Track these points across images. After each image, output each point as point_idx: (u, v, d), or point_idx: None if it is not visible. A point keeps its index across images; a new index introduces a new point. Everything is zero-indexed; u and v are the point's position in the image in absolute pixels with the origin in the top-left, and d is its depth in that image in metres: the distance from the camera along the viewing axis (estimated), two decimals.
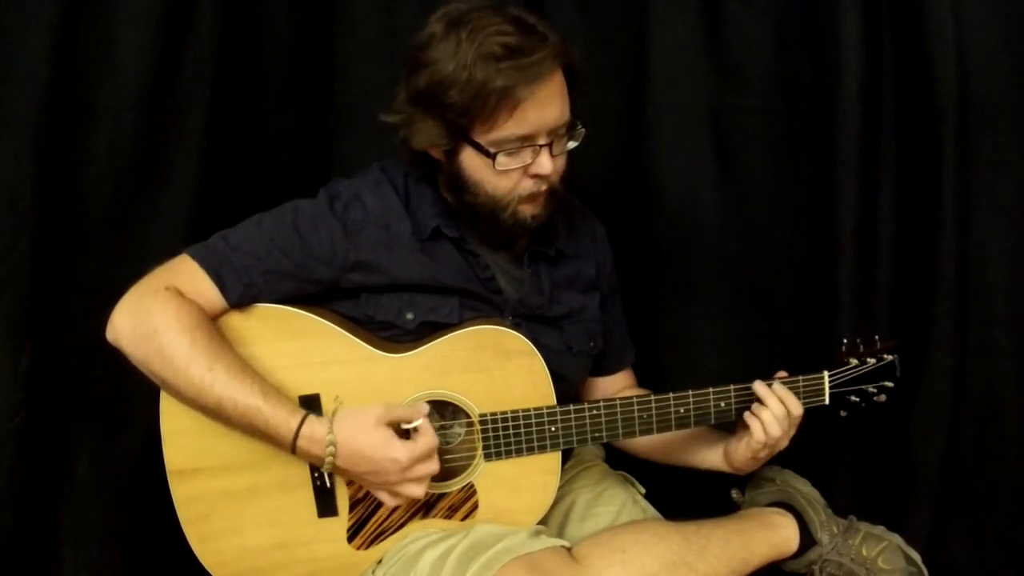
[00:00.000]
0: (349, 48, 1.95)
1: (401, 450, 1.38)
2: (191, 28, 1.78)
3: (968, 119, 1.78)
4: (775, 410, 1.51)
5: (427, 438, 1.40)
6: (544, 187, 1.47)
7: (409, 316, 1.49)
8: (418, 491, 1.42)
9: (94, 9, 1.71)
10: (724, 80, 1.91)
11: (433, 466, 1.42)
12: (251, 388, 1.38)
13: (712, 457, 1.64)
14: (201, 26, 1.79)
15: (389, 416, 1.41)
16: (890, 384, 1.61)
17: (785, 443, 1.55)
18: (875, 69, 1.81)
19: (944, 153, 1.78)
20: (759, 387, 1.52)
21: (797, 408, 1.52)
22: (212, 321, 1.44)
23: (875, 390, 1.60)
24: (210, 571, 1.50)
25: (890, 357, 1.60)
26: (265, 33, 1.90)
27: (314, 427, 1.39)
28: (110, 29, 1.73)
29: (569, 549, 1.49)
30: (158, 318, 1.38)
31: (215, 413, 1.40)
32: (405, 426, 1.41)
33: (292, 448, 1.39)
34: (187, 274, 1.44)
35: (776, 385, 1.53)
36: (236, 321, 1.47)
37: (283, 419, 1.38)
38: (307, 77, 1.95)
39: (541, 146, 1.42)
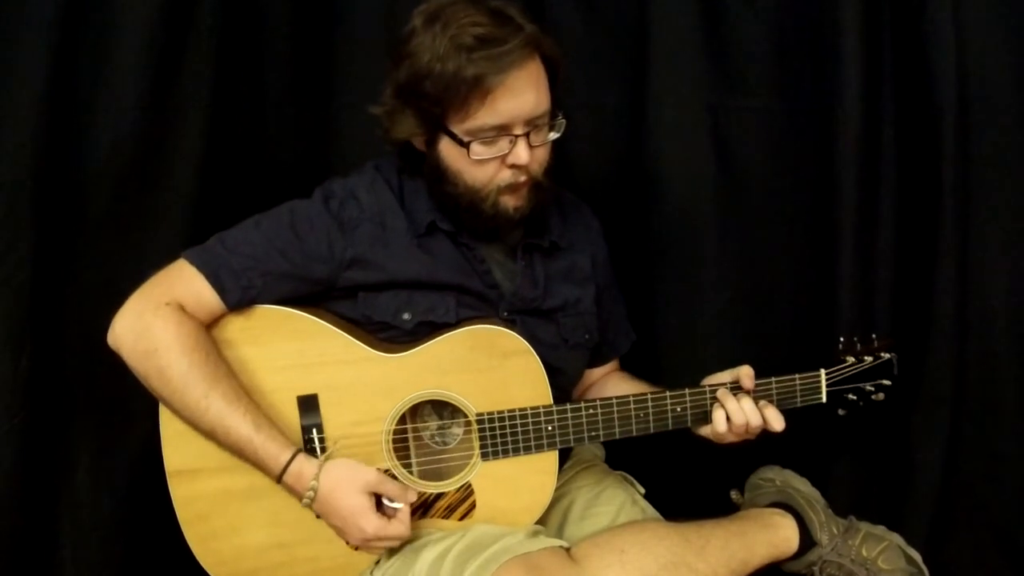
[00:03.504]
0: (349, 48, 1.95)
1: (371, 524, 1.41)
2: (191, 28, 1.79)
3: (968, 119, 1.78)
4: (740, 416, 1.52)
5: (402, 528, 1.43)
6: (523, 178, 1.47)
7: (406, 316, 1.50)
8: (374, 552, 1.47)
9: (94, 9, 1.72)
10: (724, 80, 1.91)
11: (392, 544, 1.45)
12: (244, 418, 1.40)
13: None
14: (201, 26, 1.79)
15: (379, 487, 1.43)
16: (888, 383, 1.61)
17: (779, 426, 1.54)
18: (875, 69, 1.81)
19: (944, 153, 1.78)
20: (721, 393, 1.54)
21: (755, 419, 1.52)
22: (212, 339, 1.45)
23: (873, 388, 1.60)
24: (209, 571, 1.50)
25: (887, 355, 1.61)
26: (265, 33, 1.90)
27: (303, 466, 1.41)
28: (110, 29, 1.73)
29: (567, 549, 1.49)
30: (158, 337, 1.40)
31: (208, 436, 1.42)
32: (387, 503, 1.43)
33: (278, 480, 1.42)
34: (186, 280, 1.45)
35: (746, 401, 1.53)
36: (235, 322, 1.47)
37: (272, 453, 1.41)
38: (307, 77, 1.95)
39: (517, 136, 1.42)
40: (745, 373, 1.54)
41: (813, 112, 1.87)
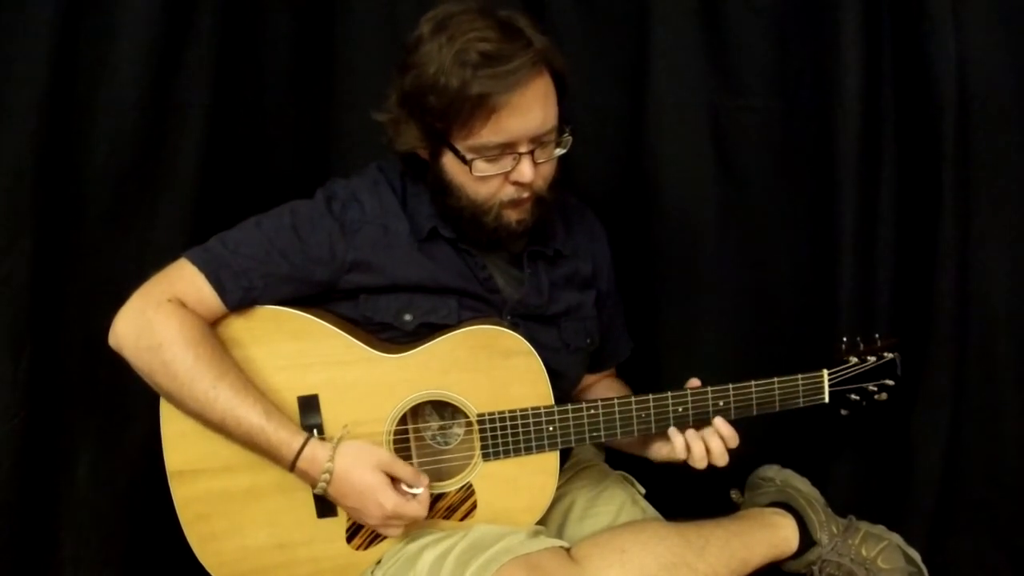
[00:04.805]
0: (349, 48, 1.95)
1: (390, 499, 1.40)
2: (191, 28, 1.79)
3: (968, 118, 1.77)
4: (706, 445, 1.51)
5: (420, 507, 1.43)
6: (526, 194, 1.45)
7: (407, 318, 1.49)
8: (393, 533, 1.46)
9: (94, 9, 1.72)
10: (724, 80, 1.91)
11: (410, 523, 1.45)
12: (254, 407, 1.40)
13: (635, 445, 1.63)
14: (201, 26, 1.79)
15: (391, 467, 1.43)
16: (891, 382, 1.60)
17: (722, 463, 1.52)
18: (875, 69, 1.81)
19: (944, 152, 1.77)
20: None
21: (720, 458, 1.50)
22: (214, 333, 1.45)
23: (875, 388, 1.59)
24: (211, 571, 1.51)
25: (890, 355, 1.59)
26: (265, 33, 1.91)
27: (316, 450, 1.41)
28: (110, 29, 1.73)
29: (568, 549, 1.49)
30: (161, 332, 1.39)
31: (217, 428, 1.42)
32: (406, 488, 1.43)
33: (291, 467, 1.41)
34: (186, 279, 1.44)
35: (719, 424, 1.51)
36: (235, 322, 1.47)
37: (284, 440, 1.40)
38: (307, 77, 1.95)
39: (522, 154, 1.41)
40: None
41: (813, 112, 1.87)
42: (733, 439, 1.51)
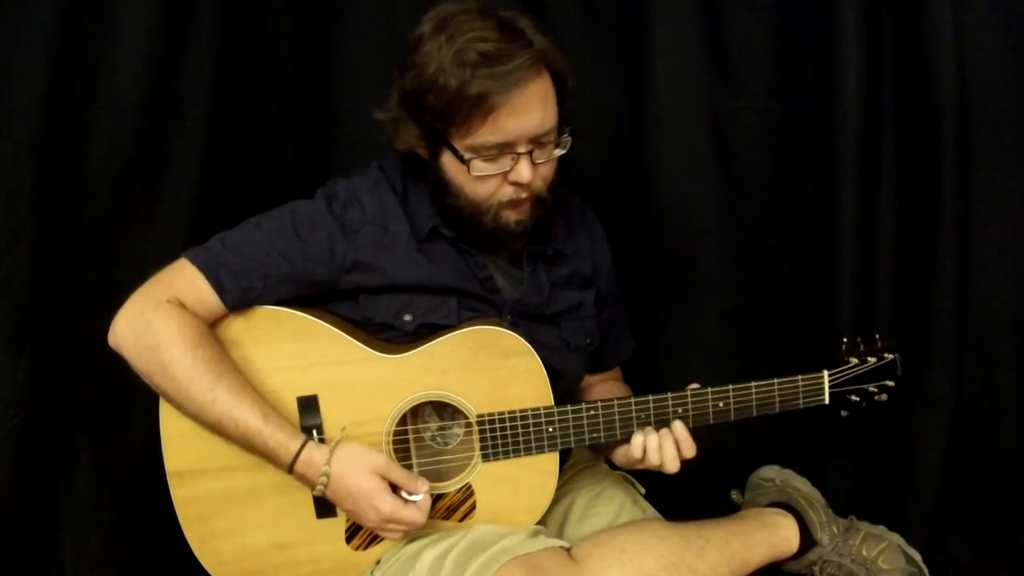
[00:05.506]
0: (349, 48, 1.96)
1: (387, 503, 1.40)
2: (191, 28, 1.79)
3: (968, 118, 1.78)
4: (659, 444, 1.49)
5: (417, 514, 1.41)
6: (525, 194, 1.45)
7: (407, 318, 1.49)
8: (392, 537, 1.46)
9: (94, 9, 1.72)
10: (724, 80, 1.91)
11: (408, 530, 1.44)
12: (251, 409, 1.39)
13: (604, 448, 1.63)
14: (201, 26, 1.79)
15: (388, 472, 1.42)
16: (891, 383, 1.59)
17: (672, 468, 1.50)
18: (875, 69, 1.81)
19: (944, 152, 1.78)
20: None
21: (672, 463, 1.48)
22: (214, 334, 1.45)
23: (876, 389, 1.59)
24: (210, 572, 1.51)
25: (891, 356, 1.59)
26: (265, 34, 1.91)
27: (313, 454, 1.41)
28: (110, 29, 1.73)
29: (568, 549, 1.49)
30: (160, 333, 1.39)
31: (215, 429, 1.42)
32: (406, 496, 1.43)
33: (289, 470, 1.41)
34: (186, 279, 1.44)
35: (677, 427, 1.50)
36: (235, 323, 1.47)
37: (282, 442, 1.40)
38: (307, 77, 1.95)
39: (520, 154, 1.41)
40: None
41: (813, 112, 1.87)
42: (688, 445, 1.49)
